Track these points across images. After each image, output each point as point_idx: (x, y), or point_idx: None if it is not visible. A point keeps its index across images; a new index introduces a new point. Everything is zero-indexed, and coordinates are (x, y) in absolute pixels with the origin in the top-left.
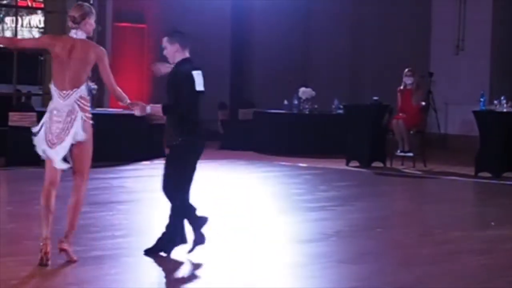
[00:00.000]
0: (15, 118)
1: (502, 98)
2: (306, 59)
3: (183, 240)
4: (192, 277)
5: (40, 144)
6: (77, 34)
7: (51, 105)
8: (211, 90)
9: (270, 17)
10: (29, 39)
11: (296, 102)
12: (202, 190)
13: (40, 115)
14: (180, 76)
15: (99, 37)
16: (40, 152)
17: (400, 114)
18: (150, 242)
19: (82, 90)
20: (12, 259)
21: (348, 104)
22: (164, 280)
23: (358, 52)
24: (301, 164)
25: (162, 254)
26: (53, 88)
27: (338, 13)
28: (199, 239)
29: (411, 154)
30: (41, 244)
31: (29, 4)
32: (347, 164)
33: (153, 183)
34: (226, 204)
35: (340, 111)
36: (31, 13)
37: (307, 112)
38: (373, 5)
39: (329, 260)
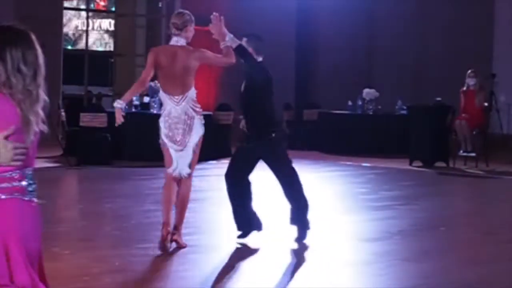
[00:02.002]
0: (86, 119)
1: None
2: (370, 60)
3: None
4: (261, 275)
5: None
6: (178, 41)
7: (165, 109)
8: (276, 91)
9: (335, 18)
10: (145, 71)
11: (360, 103)
12: (268, 189)
13: (110, 116)
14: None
15: (167, 40)
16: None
17: (463, 115)
18: (217, 240)
19: (192, 93)
20: (84, 255)
21: (411, 104)
22: (232, 278)
23: (421, 53)
24: (364, 164)
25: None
26: (164, 94)
27: (402, 14)
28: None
29: (473, 154)
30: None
31: (100, 7)
32: (410, 164)
33: (219, 182)
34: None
35: (404, 112)
36: (102, 17)
37: (370, 113)
38: (437, 6)
39: (393, 258)
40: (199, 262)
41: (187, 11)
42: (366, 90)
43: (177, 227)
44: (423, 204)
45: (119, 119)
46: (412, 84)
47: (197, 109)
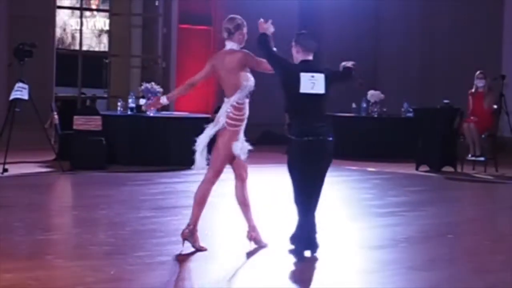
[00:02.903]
0: (79, 122)
1: None
2: (375, 61)
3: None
4: (262, 284)
5: None
6: (229, 45)
7: None
8: (279, 93)
9: (338, 19)
10: (199, 73)
11: (364, 105)
12: (271, 195)
13: (105, 118)
14: (287, 69)
15: (164, 39)
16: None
17: (472, 118)
18: (214, 247)
19: (236, 97)
20: (78, 264)
21: (418, 107)
22: (233, 285)
23: (428, 54)
24: (369, 169)
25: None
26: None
27: (408, 15)
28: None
29: (482, 159)
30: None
31: (94, 6)
32: (417, 169)
33: (219, 187)
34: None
35: (410, 115)
36: (96, 16)
37: (375, 116)
38: (444, 6)
39: (399, 267)
40: (197, 270)
41: (238, 16)
42: (370, 92)
43: (252, 226)
44: (430, 210)
45: (150, 107)
46: (418, 86)
47: (229, 114)
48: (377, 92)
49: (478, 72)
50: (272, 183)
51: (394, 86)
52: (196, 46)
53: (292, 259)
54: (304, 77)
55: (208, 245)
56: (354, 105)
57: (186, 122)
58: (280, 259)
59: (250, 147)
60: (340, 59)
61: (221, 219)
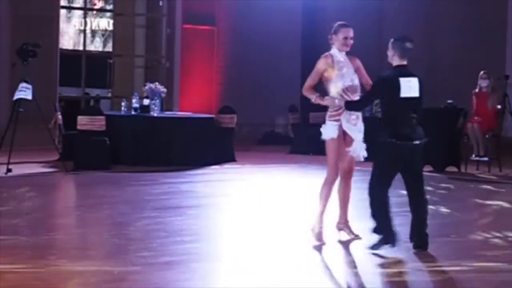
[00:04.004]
0: (83, 122)
1: None
2: (380, 61)
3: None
4: (264, 284)
5: None
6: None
7: None
8: (282, 92)
9: (342, 18)
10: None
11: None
12: (274, 195)
13: (109, 118)
14: (384, 81)
15: (168, 39)
16: None
17: (475, 118)
18: (220, 247)
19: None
20: (82, 264)
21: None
22: (235, 285)
23: (432, 54)
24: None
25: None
26: None
27: (412, 14)
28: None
29: (486, 159)
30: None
31: (98, 6)
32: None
33: (222, 187)
34: (300, 210)
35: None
36: (100, 16)
37: (379, 116)
38: (448, 6)
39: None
40: (201, 270)
41: (341, 22)
42: None
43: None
44: (433, 211)
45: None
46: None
47: (329, 113)
48: None
49: (482, 72)
50: (280, 183)
51: None
52: (200, 46)
53: (290, 260)
54: (406, 82)
55: (213, 245)
56: None
57: (190, 122)
58: (284, 260)
59: None
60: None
61: (225, 219)
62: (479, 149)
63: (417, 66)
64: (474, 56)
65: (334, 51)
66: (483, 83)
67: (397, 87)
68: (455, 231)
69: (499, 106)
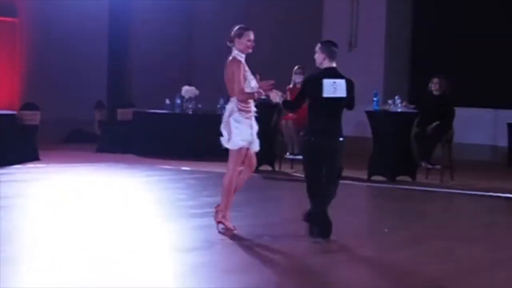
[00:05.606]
0: None
1: (396, 97)
2: (189, 55)
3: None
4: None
5: None
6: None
7: None
8: (88, 88)
9: (150, 12)
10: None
11: (178, 101)
12: (79, 196)
13: None
14: (307, 81)
15: None
16: None
17: (290, 114)
18: (22, 250)
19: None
20: None
21: None
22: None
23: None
24: (184, 168)
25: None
26: None
27: (222, 8)
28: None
29: (300, 157)
30: None
31: None
32: None
33: (26, 188)
34: (105, 210)
35: None
36: None
37: (190, 112)
38: (263, 4)
39: (213, 270)
40: (4, 272)
41: (242, 25)
42: (185, 88)
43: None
44: (246, 210)
45: None
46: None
47: (238, 106)
48: (192, 88)
49: (296, 67)
50: (86, 182)
51: (209, 81)
52: (1, 38)
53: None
54: (329, 83)
55: (15, 248)
56: (168, 101)
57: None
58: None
59: None
60: (152, 51)
61: (28, 221)
62: (293, 147)
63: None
64: (290, 50)
65: (237, 53)
66: (297, 78)
67: (321, 88)
68: (268, 232)
69: None
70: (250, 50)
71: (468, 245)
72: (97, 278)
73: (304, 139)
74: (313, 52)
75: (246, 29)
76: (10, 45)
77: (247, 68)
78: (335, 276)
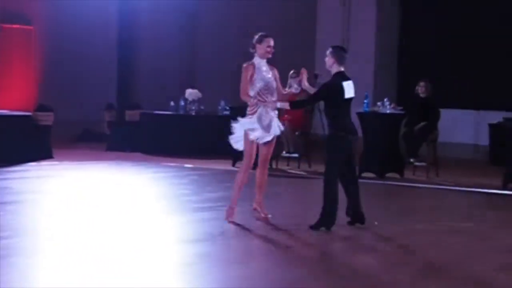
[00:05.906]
0: None
1: (385, 99)
2: (192, 61)
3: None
4: (77, 276)
5: None
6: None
7: None
8: (98, 91)
9: (157, 17)
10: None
11: (182, 103)
12: (90, 192)
13: None
14: (330, 87)
15: None
16: None
17: (286, 116)
18: (36, 242)
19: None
20: None
21: (234, 105)
22: (53, 280)
23: (244, 52)
24: (187, 165)
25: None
26: None
27: (226, 13)
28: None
29: (296, 155)
30: None
31: None
32: (233, 165)
33: (40, 184)
34: (115, 205)
35: (227, 113)
36: None
37: (193, 114)
38: (260, 5)
39: (215, 259)
40: (18, 265)
41: (262, 33)
42: (188, 91)
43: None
44: (248, 206)
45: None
46: (234, 85)
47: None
48: (195, 91)
49: (291, 72)
50: (97, 179)
51: (211, 84)
52: (18, 45)
53: (109, 254)
54: (348, 85)
55: (30, 241)
56: (172, 103)
57: (6, 120)
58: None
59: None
60: (158, 56)
61: (43, 215)
62: (289, 146)
63: (229, 65)
64: (283, 55)
65: (256, 59)
66: (293, 82)
67: (343, 91)
68: (269, 224)
69: None
70: (270, 56)
71: (453, 236)
72: (104, 268)
73: (336, 135)
74: (308, 57)
75: (266, 36)
76: (26, 51)
77: (264, 70)
78: (336, 264)
